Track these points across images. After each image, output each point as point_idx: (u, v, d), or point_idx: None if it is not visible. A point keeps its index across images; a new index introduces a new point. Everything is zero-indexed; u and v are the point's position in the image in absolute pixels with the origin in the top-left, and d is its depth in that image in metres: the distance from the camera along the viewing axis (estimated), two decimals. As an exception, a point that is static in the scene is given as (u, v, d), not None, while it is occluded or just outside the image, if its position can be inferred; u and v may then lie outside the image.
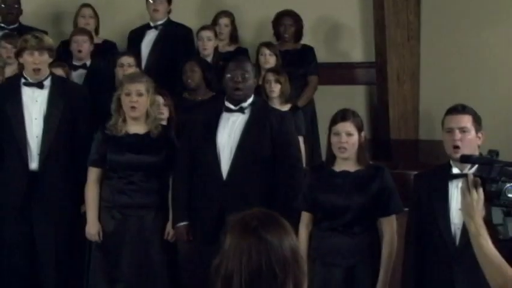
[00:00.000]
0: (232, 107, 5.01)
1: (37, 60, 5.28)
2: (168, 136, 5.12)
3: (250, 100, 5.04)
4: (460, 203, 2.75)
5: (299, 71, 6.69)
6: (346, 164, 4.50)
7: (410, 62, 7.16)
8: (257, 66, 6.43)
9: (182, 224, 5.00)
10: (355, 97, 7.30)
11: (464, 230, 3.86)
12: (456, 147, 4.16)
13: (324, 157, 5.06)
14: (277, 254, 2.23)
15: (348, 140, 4.45)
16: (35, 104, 5.32)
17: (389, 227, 4.45)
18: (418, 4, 7.12)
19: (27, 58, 5.30)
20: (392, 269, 4.44)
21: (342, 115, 4.50)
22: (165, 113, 5.47)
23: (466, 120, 4.20)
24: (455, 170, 4.21)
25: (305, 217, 4.55)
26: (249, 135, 4.96)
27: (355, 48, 7.42)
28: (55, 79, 5.46)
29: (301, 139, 5.95)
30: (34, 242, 5.27)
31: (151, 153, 5.02)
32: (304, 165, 5.67)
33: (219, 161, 4.94)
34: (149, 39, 6.79)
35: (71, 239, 5.32)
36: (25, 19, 7.01)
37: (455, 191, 4.14)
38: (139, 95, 5.03)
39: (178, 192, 5.02)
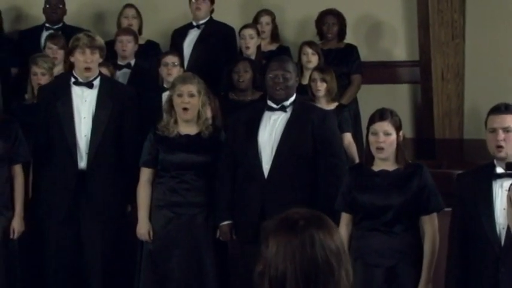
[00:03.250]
0: (273, 105, 5.02)
1: (88, 59, 5.29)
2: (218, 137, 5.13)
3: (292, 99, 5.04)
4: (507, 212, 2.70)
5: (342, 70, 6.65)
6: (385, 163, 4.47)
7: (454, 61, 7.09)
8: (299, 65, 6.44)
9: (225, 223, 5.01)
10: (399, 96, 7.25)
11: (510, 230, 3.82)
12: (499, 146, 4.12)
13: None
14: (331, 247, 2.21)
15: (386, 140, 4.41)
16: (84, 103, 5.34)
17: (431, 225, 4.40)
18: (463, 2, 7.05)
19: (78, 56, 5.31)
20: (435, 268, 4.39)
21: (380, 114, 4.47)
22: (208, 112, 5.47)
23: (509, 120, 4.14)
24: (499, 170, 4.16)
25: (345, 218, 4.52)
26: (290, 134, 4.95)
27: (398, 47, 7.37)
28: (104, 79, 5.48)
29: (349, 135, 5.98)
30: (81, 240, 5.30)
31: (201, 152, 5.04)
32: (357, 161, 5.71)
33: (260, 160, 4.94)
34: (191, 38, 6.81)
35: (118, 238, 5.35)
36: (68, 19, 7.08)
37: (499, 191, 4.10)
38: (191, 96, 5.04)
39: (221, 192, 5.02)
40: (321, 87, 6.01)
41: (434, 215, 4.43)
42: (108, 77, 5.74)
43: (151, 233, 5.07)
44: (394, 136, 4.43)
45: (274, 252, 2.21)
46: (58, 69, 6.15)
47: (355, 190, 4.47)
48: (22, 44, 6.91)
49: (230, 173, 5.02)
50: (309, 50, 6.46)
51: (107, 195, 5.30)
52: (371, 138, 4.46)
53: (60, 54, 6.28)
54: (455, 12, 7.03)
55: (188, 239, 5.01)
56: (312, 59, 6.44)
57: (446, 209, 4.45)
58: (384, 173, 4.46)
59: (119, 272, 5.36)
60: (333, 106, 5.99)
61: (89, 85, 5.35)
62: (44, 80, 5.86)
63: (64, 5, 7.01)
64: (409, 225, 4.42)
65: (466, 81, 7.10)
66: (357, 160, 5.79)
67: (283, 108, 5.01)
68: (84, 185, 5.28)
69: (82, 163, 5.30)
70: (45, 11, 6.99)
